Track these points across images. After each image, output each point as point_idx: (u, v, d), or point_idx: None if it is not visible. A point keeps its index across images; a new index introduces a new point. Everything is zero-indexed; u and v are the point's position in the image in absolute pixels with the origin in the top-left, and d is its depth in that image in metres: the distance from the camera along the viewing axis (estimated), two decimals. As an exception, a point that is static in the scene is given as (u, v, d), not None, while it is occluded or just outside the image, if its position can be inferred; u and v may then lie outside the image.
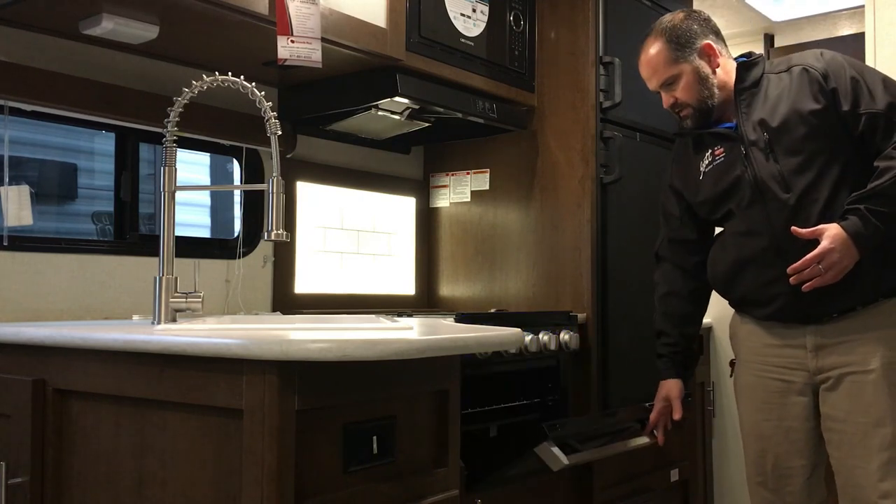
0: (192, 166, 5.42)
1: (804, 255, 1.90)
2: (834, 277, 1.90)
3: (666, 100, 2.16)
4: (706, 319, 3.74)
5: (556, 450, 2.22)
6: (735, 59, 2.16)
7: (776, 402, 2.09)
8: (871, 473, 1.94)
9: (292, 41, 2.02)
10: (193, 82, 1.80)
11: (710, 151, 2.14)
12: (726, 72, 2.12)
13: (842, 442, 1.99)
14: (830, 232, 1.89)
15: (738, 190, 2.06)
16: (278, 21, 2.00)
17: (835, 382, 1.99)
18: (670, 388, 2.32)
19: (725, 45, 2.18)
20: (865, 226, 1.89)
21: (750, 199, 2.03)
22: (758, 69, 2.10)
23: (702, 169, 2.15)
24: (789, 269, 1.93)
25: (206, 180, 5.71)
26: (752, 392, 2.15)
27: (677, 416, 2.31)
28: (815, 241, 1.90)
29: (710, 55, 2.11)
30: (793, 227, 1.94)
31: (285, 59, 2.02)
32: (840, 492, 2.01)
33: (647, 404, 2.92)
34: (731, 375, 2.28)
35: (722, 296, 2.22)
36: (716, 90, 2.10)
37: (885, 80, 1.99)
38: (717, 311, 3.79)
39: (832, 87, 1.97)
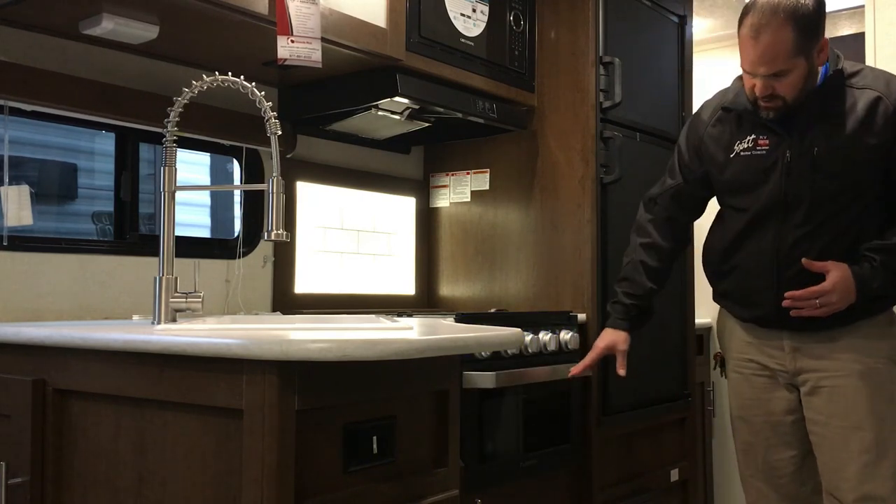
0: (192, 166, 5.42)
1: (799, 279, 1.93)
2: (824, 314, 1.93)
3: (762, 88, 1.93)
4: (706, 319, 3.74)
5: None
6: None
7: (762, 398, 2.11)
8: (850, 477, 1.95)
9: (292, 41, 2.02)
10: (193, 82, 1.80)
11: (753, 136, 2.04)
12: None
13: (823, 445, 2.00)
14: (838, 273, 1.91)
15: (763, 192, 2.02)
16: (278, 21, 2.00)
17: (813, 387, 2.01)
18: (618, 339, 2.25)
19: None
20: (874, 278, 1.91)
21: (770, 208, 2.01)
22: (840, 79, 1.98)
23: (737, 148, 2.06)
24: (787, 295, 1.94)
25: (206, 180, 5.71)
26: (738, 388, 2.17)
27: (622, 371, 2.24)
28: (817, 274, 1.93)
29: (823, 51, 1.94)
30: (804, 260, 1.94)
31: (285, 59, 2.02)
32: (824, 492, 2.02)
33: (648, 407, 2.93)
34: (714, 368, 2.30)
35: (709, 280, 2.22)
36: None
37: None
38: (718, 310, 3.79)
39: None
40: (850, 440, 1.95)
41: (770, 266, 2.00)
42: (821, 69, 1.96)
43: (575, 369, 2.29)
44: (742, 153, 2.05)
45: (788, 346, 2.04)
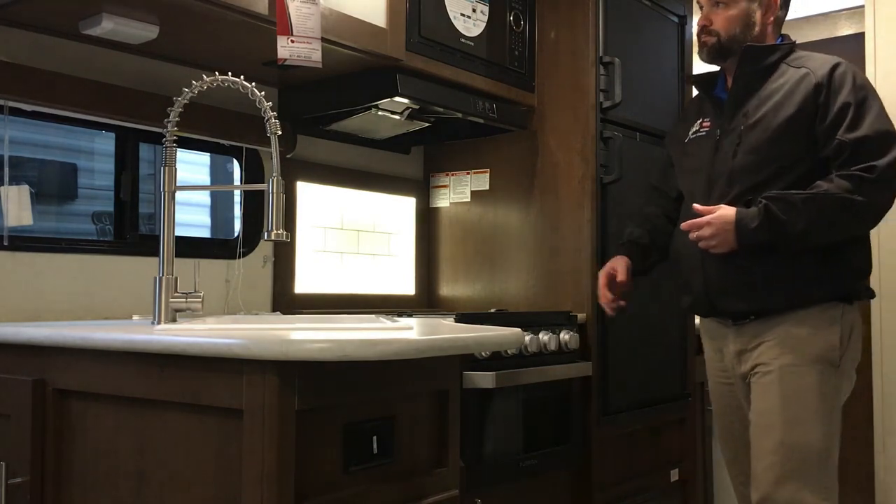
0: (192, 166, 5.41)
1: (723, 258, 1.95)
2: (704, 247, 1.94)
3: (702, 18, 2.10)
4: (706, 319, 3.73)
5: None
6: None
7: (734, 406, 2.12)
8: (758, 475, 1.94)
9: (292, 41, 2.02)
10: (193, 82, 1.80)
11: (700, 119, 2.14)
12: (766, 36, 2.10)
13: (752, 436, 2.00)
14: (721, 211, 1.92)
15: (698, 172, 2.07)
16: (278, 21, 2.00)
17: (750, 383, 2.02)
18: (617, 259, 2.29)
19: (784, 16, 2.16)
20: (755, 217, 1.88)
21: (699, 185, 2.06)
22: (776, 56, 2.05)
23: (689, 134, 2.16)
24: (682, 226, 1.98)
25: (206, 180, 5.70)
26: (714, 398, 2.20)
27: (622, 277, 2.25)
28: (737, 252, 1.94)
29: (769, 8, 2.08)
30: (694, 205, 1.96)
31: (285, 59, 2.02)
32: None
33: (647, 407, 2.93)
34: None
35: None
36: (744, 43, 2.06)
37: (880, 115, 1.94)
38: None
39: (822, 101, 1.94)
40: (763, 439, 1.94)
41: (696, 247, 1.99)
42: (766, 29, 2.07)
43: (608, 308, 2.28)
44: (692, 137, 2.14)
45: (733, 349, 2.05)
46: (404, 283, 3.10)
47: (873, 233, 3.04)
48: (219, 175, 5.59)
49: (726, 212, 1.91)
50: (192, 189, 3.42)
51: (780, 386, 1.93)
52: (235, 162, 2.58)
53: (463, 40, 2.58)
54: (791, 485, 1.88)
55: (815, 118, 1.95)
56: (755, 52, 2.05)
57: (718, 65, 2.14)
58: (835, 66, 1.98)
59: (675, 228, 2.20)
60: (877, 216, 1.95)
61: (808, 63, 2.02)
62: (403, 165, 3.14)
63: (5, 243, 2.01)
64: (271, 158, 1.77)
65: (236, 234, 2.57)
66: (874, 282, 3.02)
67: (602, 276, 2.28)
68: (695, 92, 2.36)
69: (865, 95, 1.95)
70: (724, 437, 2.18)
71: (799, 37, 3.77)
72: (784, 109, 1.96)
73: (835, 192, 1.87)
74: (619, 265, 2.27)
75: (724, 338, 2.09)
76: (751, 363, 2.00)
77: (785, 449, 1.90)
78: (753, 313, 1.99)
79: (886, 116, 1.95)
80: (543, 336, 2.43)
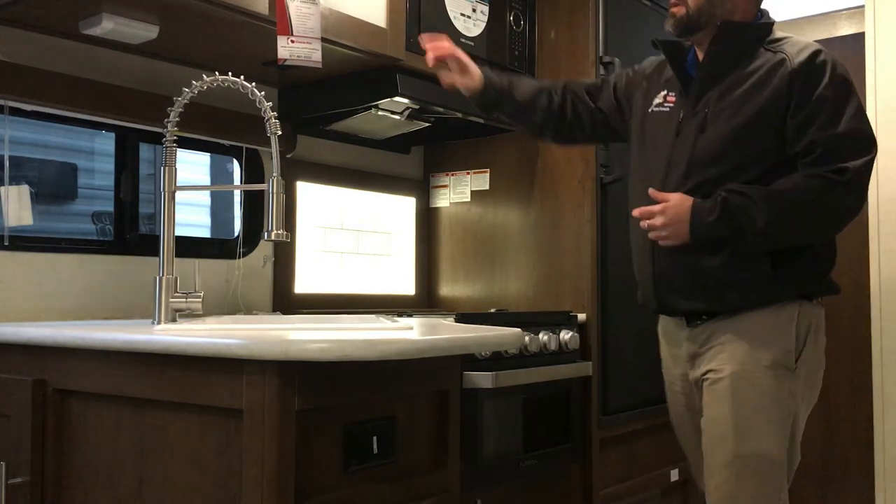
0: (192, 166, 5.41)
1: (675, 250, 1.82)
2: (654, 238, 1.81)
3: None
4: (706, 319, 3.73)
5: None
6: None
7: (688, 415, 2.00)
8: (711, 490, 1.84)
9: (292, 41, 2.02)
10: (193, 82, 1.80)
11: (665, 92, 1.97)
12: (742, 11, 1.90)
13: (704, 448, 1.88)
14: (676, 199, 1.78)
15: (656, 152, 1.92)
16: (278, 21, 2.00)
17: (702, 389, 1.89)
18: (474, 71, 2.12)
19: None
20: (711, 210, 1.75)
21: (656, 169, 1.90)
22: (752, 36, 1.88)
23: (652, 105, 1.99)
24: (635, 212, 1.84)
25: (206, 180, 5.71)
26: (671, 406, 2.08)
27: (465, 59, 2.10)
28: (690, 247, 1.81)
29: None
30: (651, 189, 1.82)
31: (285, 59, 2.02)
32: None
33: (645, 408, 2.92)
34: None
35: None
36: (717, 17, 1.88)
37: (857, 113, 1.79)
38: (717, 311, 3.79)
39: (796, 93, 1.78)
40: (715, 452, 1.81)
41: (648, 240, 1.87)
42: (747, 16, 1.88)
43: (431, 53, 2.10)
44: (654, 110, 1.97)
45: (686, 352, 1.93)
46: (404, 283, 3.10)
47: (873, 232, 3.05)
48: (219, 175, 5.59)
49: (682, 201, 1.77)
50: (192, 189, 3.42)
51: (731, 394, 1.79)
52: (235, 162, 2.58)
53: (463, 40, 2.57)
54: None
55: (787, 110, 1.78)
56: (730, 30, 1.87)
57: (687, 39, 1.95)
58: (814, 54, 1.80)
59: (564, 129, 2.11)
60: (842, 222, 1.81)
61: (785, 47, 1.83)
62: (403, 165, 3.14)
63: (5, 243, 2.01)
64: (271, 158, 1.77)
65: (236, 234, 2.57)
66: (874, 282, 3.04)
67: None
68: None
69: (845, 90, 1.79)
70: (687, 448, 2.05)
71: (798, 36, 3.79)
72: (754, 98, 1.80)
73: (801, 193, 1.74)
74: (465, 62, 2.10)
75: (678, 340, 1.96)
76: (703, 368, 1.87)
77: (739, 463, 1.77)
78: (704, 313, 1.86)
79: (864, 116, 1.81)
80: (543, 336, 2.43)
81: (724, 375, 1.81)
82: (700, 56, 1.95)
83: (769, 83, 1.80)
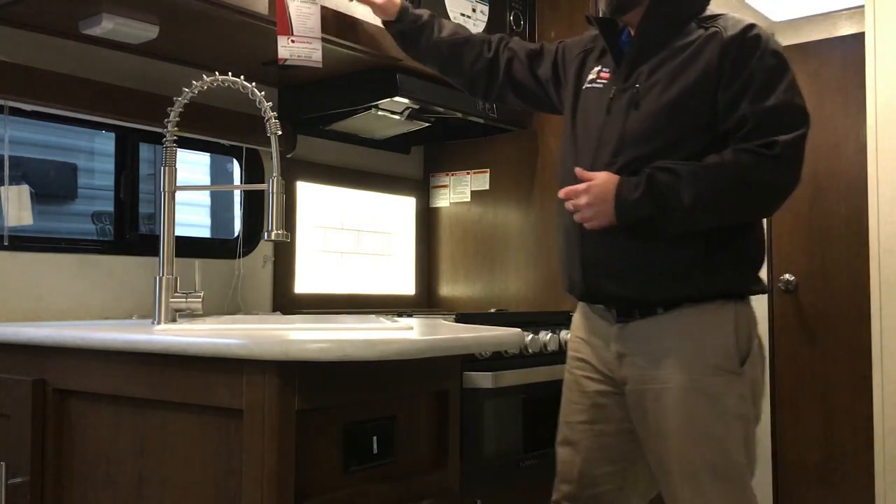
0: (192, 166, 5.41)
1: (602, 234, 1.73)
2: (579, 220, 1.72)
3: None
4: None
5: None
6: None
7: (587, 403, 1.85)
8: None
9: (293, 41, 2.02)
10: (193, 82, 1.80)
11: (598, 67, 1.88)
12: None
13: (653, 462, 1.77)
14: (602, 178, 1.69)
15: (586, 130, 1.83)
16: (278, 21, 2.00)
17: (638, 397, 1.76)
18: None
19: None
20: (636, 187, 1.66)
21: (585, 148, 1.82)
22: (685, 11, 1.79)
23: (586, 81, 1.89)
24: (561, 193, 1.75)
25: (206, 180, 5.70)
26: (566, 390, 1.92)
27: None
28: (619, 229, 1.72)
29: None
30: (577, 169, 1.73)
31: (286, 60, 2.02)
32: None
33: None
34: None
35: None
36: None
37: (790, 87, 1.70)
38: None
39: (728, 66, 1.69)
40: (678, 464, 1.71)
41: (577, 224, 1.77)
42: None
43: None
44: (588, 86, 1.89)
45: (614, 350, 1.80)
46: (404, 283, 3.10)
47: (873, 232, 3.06)
48: (219, 175, 5.59)
49: (608, 179, 1.68)
50: (192, 189, 3.42)
51: (684, 406, 1.69)
52: (235, 162, 2.59)
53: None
54: None
55: (718, 85, 1.70)
56: (660, 4, 1.78)
57: (621, 18, 1.85)
58: (747, 28, 1.72)
59: (494, 86, 2.04)
60: (774, 199, 1.72)
61: (719, 22, 1.75)
62: (403, 165, 3.14)
63: (5, 243, 2.01)
64: (271, 158, 1.77)
65: (236, 234, 2.57)
66: (874, 282, 3.04)
67: None
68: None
69: (778, 64, 1.70)
70: (562, 435, 1.89)
71: (799, 37, 3.79)
72: (686, 72, 1.71)
73: (729, 168, 1.65)
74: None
75: (606, 338, 1.83)
76: (638, 372, 1.75)
77: (708, 474, 1.68)
78: (636, 303, 1.75)
79: (797, 90, 1.71)
80: (543, 336, 2.42)
81: (671, 386, 1.70)
82: (633, 33, 1.86)
83: (701, 57, 1.72)
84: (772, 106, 1.66)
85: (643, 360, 1.74)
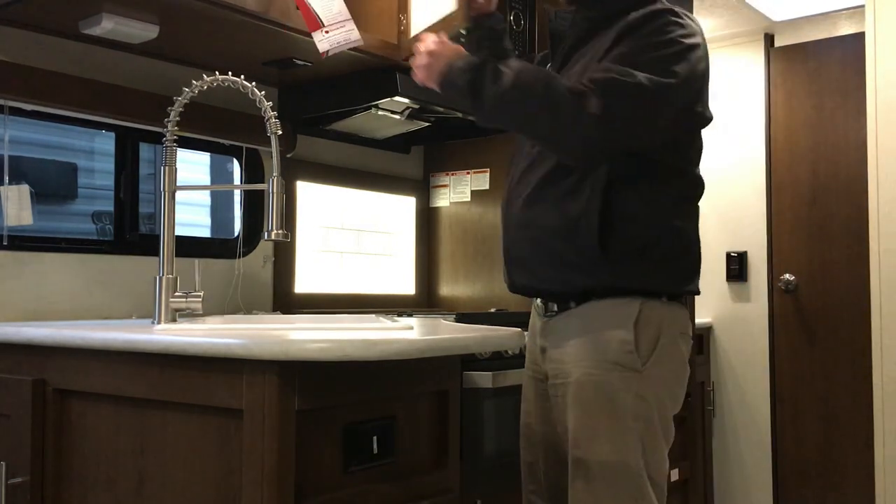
0: (192, 166, 5.42)
1: (520, 224, 1.72)
2: (415, 67, 1.71)
3: None
4: (706, 319, 3.74)
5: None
6: None
7: (539, 402, 1.82)
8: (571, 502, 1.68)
9: (327, 32, 2.00)
10: (193, 82, 1.80)
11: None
12: None
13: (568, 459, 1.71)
14: (451, 46, 1.70)
15: None
16: (305, 20, 1.98)
17: (552, 392, 1.73)
18: None
19: None
20: (470, 60, 1.65)
21: (521, 144, 1.81)
22: (620, 4, 1.70)
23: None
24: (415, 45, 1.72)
25: (206, 180, 5.71)
26: (524, 391, 1.90)
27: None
28: (529, 220, 1.70)
29: None
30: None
31: (327, 51, 2.00)
32: None
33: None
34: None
35: None
36: None
37: (661, 62, 1.58)
38: (717, 310, 3.79)
39: (620, 42, 1.62)
40: (571, 459, 1.66)
41: (510, 208, 1.76)
42: None
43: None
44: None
45: (539, 344, 1.79)
46: (404, 283, 3.10)
47: (873, 232, 3.05)
48: (219, 175, 5.60)
49: (454, 47, 1.70)
50: (192, 189, 3.42)
51: (577, 399, 1.65)
52: (235, 162, 2.59)
53: (463, 40, 2.57)
54: None
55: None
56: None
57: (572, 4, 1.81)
58: (658, 12, 1.63)
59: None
60: (569, 131, 1.58)
61: (639, 10, 1.66)
62: (403, 165, 3.14)
63: (5, 243, 2.01)
64: (271, 158, 1.77)
65: (236, 234, 2.57)
66: (874, 282, 3.04)
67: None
68: None
69: (669, 43, 1.60)
70: (524, 440, 1.88)
71: (799, 36, 3.79)
72: (599, 57, 1.64)
73: (548, 79, 1.60)
74: None
75: (534, 334, 1.82)
76: (551, 365, 1.74)
77: (591, 472, 1.63)
78: (549, 296, 1.74)
79: (682, 75, 1.59)
80: (543, 336, 2.42)
81: (571, 380, 1.67)
82: None
83: (605, 42, 1.66)
84: (625, 67, 1.56)
85: (556, 354, 1.72)
